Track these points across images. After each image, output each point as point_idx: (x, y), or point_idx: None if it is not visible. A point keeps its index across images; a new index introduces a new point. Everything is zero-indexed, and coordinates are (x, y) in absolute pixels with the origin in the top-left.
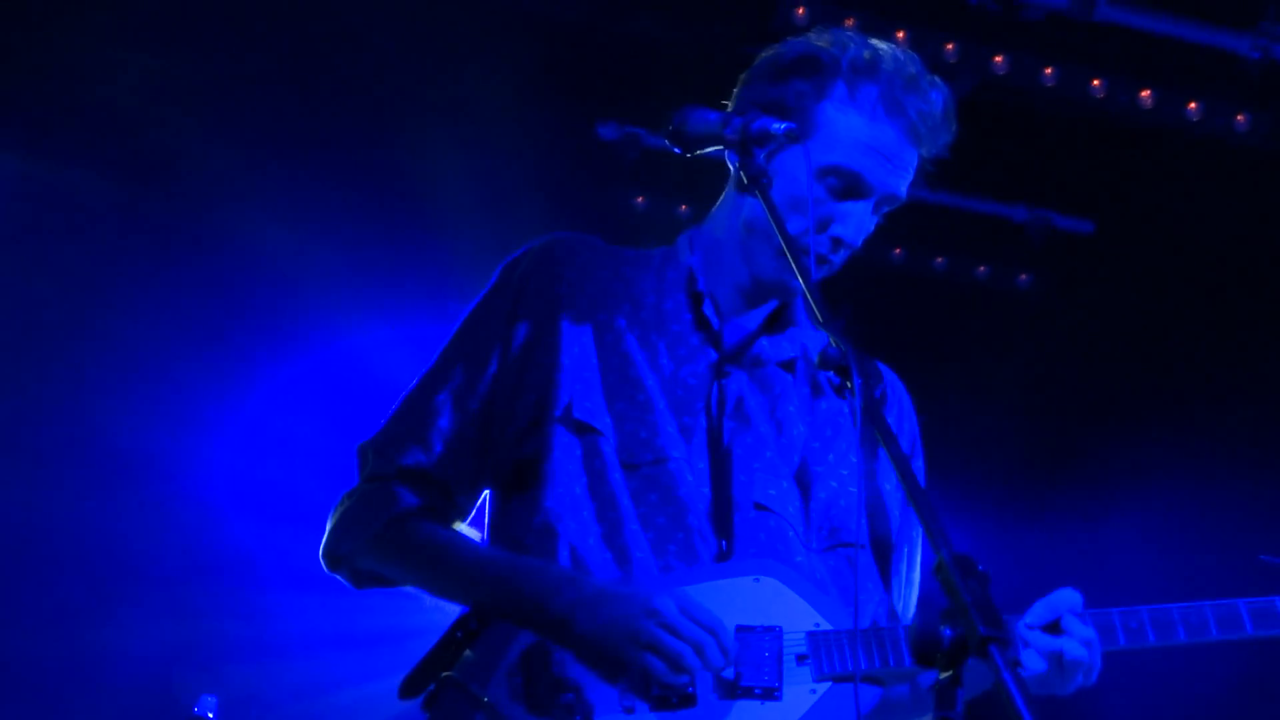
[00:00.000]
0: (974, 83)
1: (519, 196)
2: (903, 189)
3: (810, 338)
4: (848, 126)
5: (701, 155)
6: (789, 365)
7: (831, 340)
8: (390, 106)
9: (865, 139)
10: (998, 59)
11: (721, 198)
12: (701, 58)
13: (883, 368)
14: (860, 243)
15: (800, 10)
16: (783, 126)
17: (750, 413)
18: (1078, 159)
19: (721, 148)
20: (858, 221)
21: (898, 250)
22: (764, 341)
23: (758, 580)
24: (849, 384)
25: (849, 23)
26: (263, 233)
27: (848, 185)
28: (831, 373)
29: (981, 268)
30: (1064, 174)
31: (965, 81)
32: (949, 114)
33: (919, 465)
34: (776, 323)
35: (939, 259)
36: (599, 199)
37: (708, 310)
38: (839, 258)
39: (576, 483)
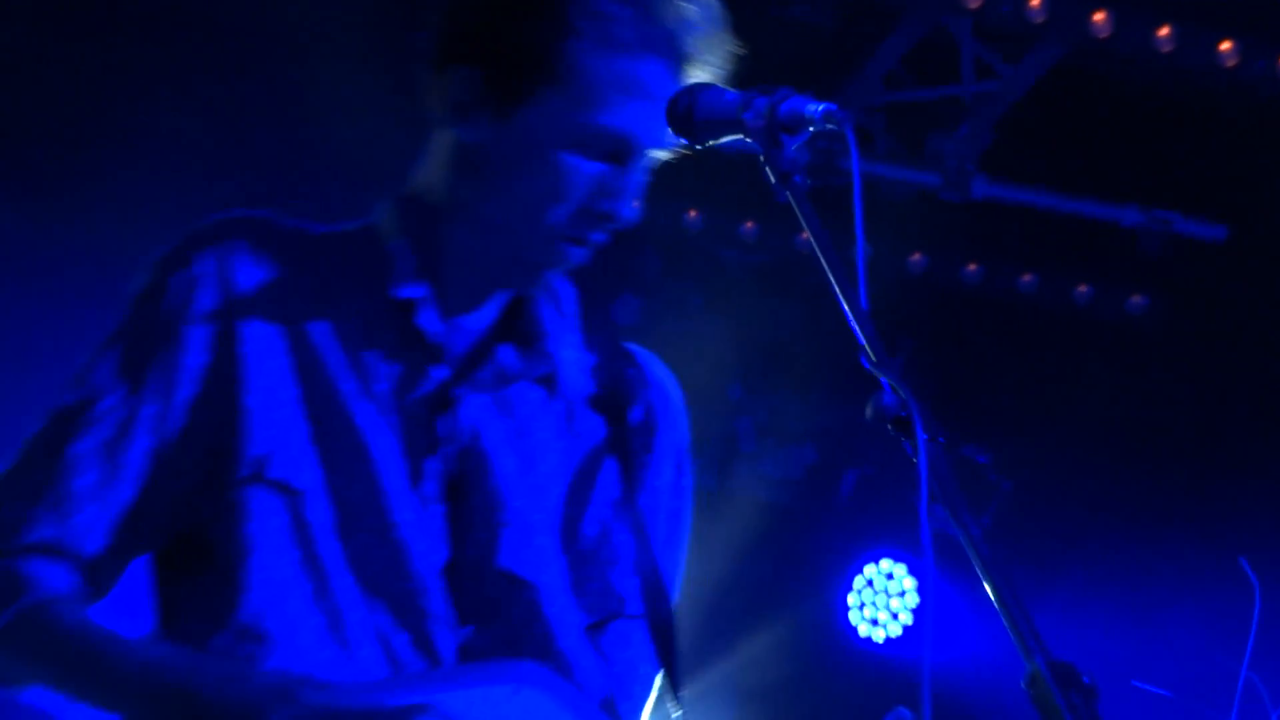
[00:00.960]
0: (1066, 48)
1: None
2: (669, 141)
3: (566, 351)
4: (607, 72)
5: (715, 148)
6: (542, 380)
7: (889, 385)
8: (326, 81)
9: (630, 83)
10: (1097, 17)
11: (430, 143)
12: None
13: (645, 358)
14: (629, 208)
15: None
16: (820, 108)
17: (490, 448)
18: (1205, 146)
19: (741, 137)
20: (633, 191)
21: (973, 266)
22: (507, 351)
23: (516, 692)
24: (910, 442)
25: None
26: None
27: (615, 148)
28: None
29: (1081, 287)
30: (1188, 166)
31: (1054, 47)
32: (717, 15)
33: (684, 497)
34: (517, 325)
35: (1026, 276)
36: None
37: (424, 314)
38: (583, 255)
39: (284, 560)
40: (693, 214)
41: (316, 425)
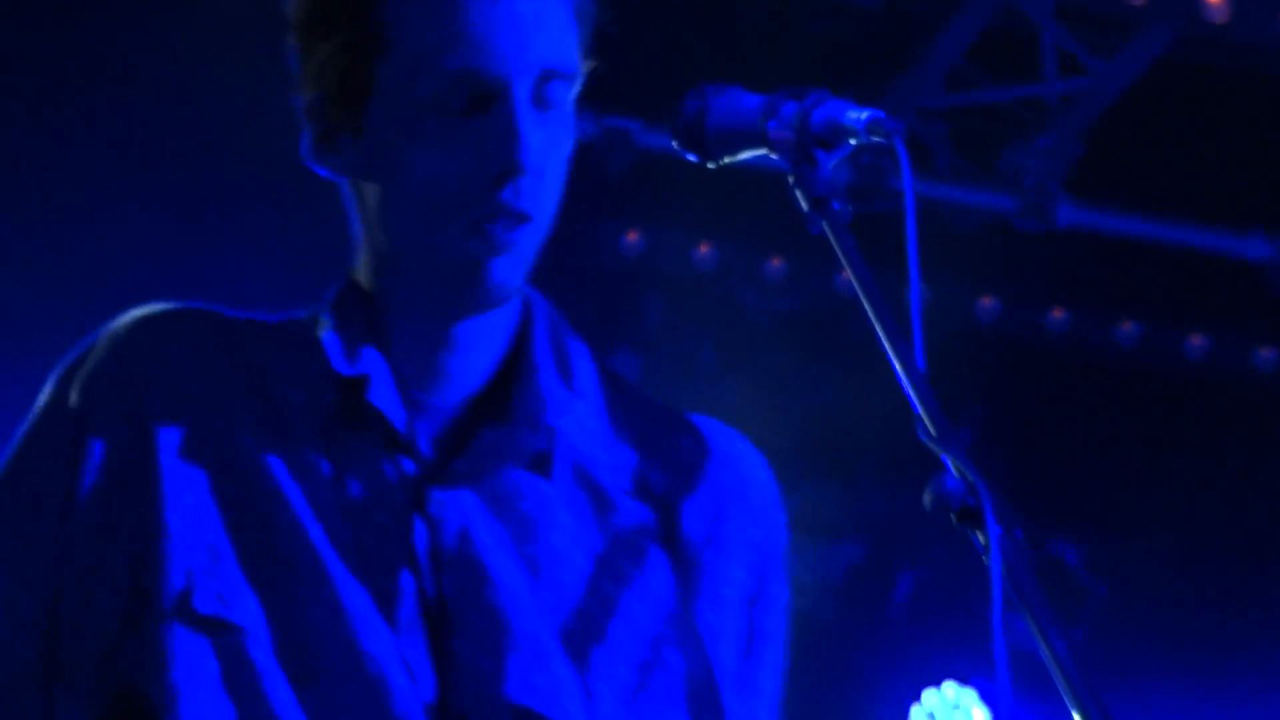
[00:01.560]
0: (1173, 36)
1: None
2: (561, 54)
3: (569, 412)
4: (421, 10)
5: (732, 165)
6: (540, 463)
7: (953, 466)
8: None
9: (456, 15)
10: (1213, 1)
11: (348, 205)
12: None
13: (712, 430)
14: (549, 179)
15: None
16: (863, 116)
17: (483, 554)
18: None
19: (765, 153)
20: (519, 134)
21: (1058, 312)
22: (490, 434)
23: None
24: (980, 537)
25: None
26: None
27: (470, 94)
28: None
29: (1195, 338)
30: None
31: (1159, 35)
32: None
33: (768, 615)
34: (505, 397)
35: (1124, 324)
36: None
37: (376, 390)
38: (520, 233)
39: (215, 715)
40: (704, 249)
41: (255, 543)
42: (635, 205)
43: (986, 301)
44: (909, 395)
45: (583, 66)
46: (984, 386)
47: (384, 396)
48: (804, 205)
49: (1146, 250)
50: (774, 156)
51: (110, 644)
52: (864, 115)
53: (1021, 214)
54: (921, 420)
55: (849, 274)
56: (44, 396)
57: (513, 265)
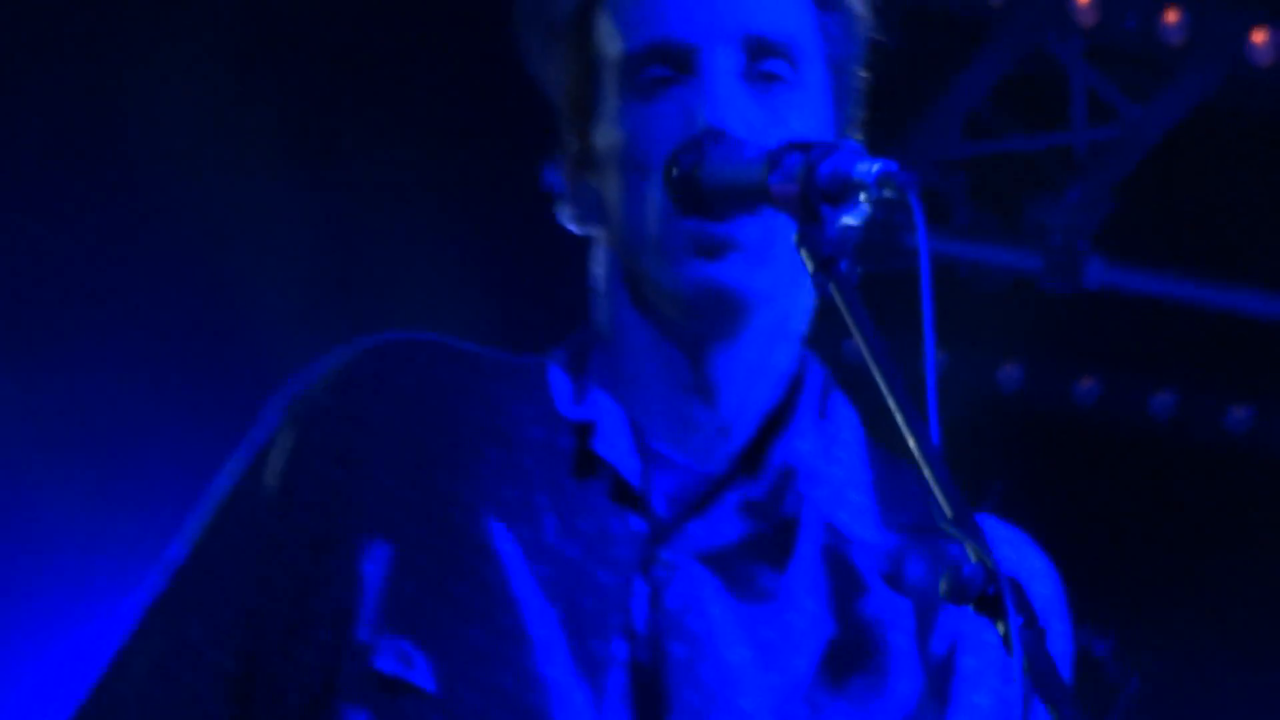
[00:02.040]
0: (1215, 79)
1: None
2: (770, 20)
3: (826, 482)
4: (618, 6)
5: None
6: (785, 534)
7: (969, 550)
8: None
9: None
10: (1258, 36)
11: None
12: None
13: (1003, 532)
14: (761, 133)
15: None
16: (875, 168)
17: (708, 628)
18: None
19: (767, 205)
20: (724, 98)
21: (1087, 380)
22: (734, 497)
23: None
24: (1001, 627)
25: None
26: None
27: (669, 64)
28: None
29: (1236, 409)
30: None
31: (1199, 77)
32: None
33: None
34: (759, 454)
35: (1160, 394)
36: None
37: (604, 444)
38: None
39: None
40: None
41: (455, 599)
42: None
43: (1009, 368)
44: (923, 472)
45: (808, 35)
46: (1006, 461)
47: (613, 446)
48: (810, 264)
49: (1184, 313)
50: (780, 211)
51: (314, 699)
52: (875, 167)
53: (1048, 273)
54: (937, 499)
55: (858, 339)
56: (259, 426)
57: (741, 264)
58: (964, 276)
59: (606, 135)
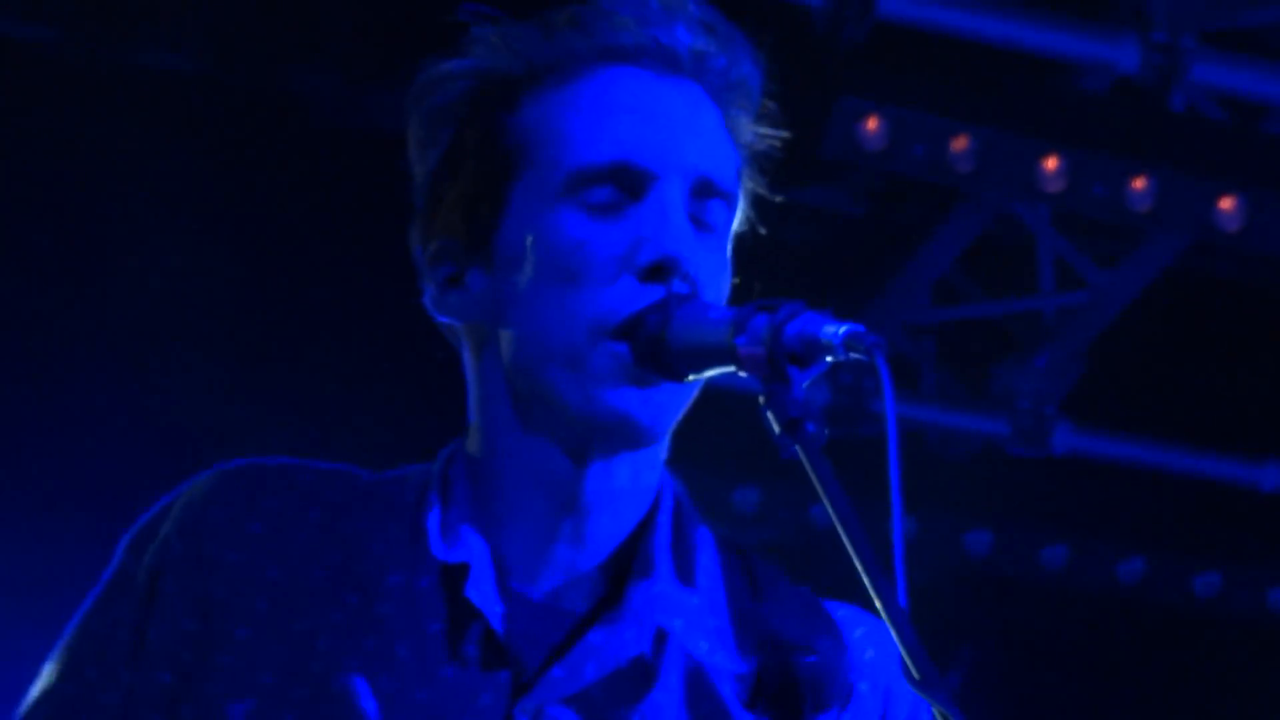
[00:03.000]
0: (1180, 246)
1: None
2: (716, 164)
3: (683, 611)
4: (562, 111)
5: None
6: (647, 669)
7: (937, 712)
8: None
9: (594, 106)
10: (1224, 204)
11: (470, 369)
12: None
13: (852, 628)
14: (704, 275)
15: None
16: (841, 330)
17: None
18: None
19: (733, 369)
20: (674, 223)
21: (1055, 547)
22: (595, 637)
23: None
24: None
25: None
26: None
27: (616, 185)
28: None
29: (1205, 575)
30: None
31: (1165, 244)
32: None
33: None
34: (617, 589)
35: (1128, 561)
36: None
37: (476, 589)
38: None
39: None
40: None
41: None
42: None
43: (977, 534)
44: (898, 637)
45: (740, 196)
46: (974, 627)
47: (483, 591)
48: (776, 428)
49: (1152, 479)
50: (743, 374)
51: None
52: (842, 330)
53: (1015, 439)
54: (905, 664)
55: (825, 502)
56: (112, 569)
57: (668, 396)
58: (932, 442)
59: (527, 238)
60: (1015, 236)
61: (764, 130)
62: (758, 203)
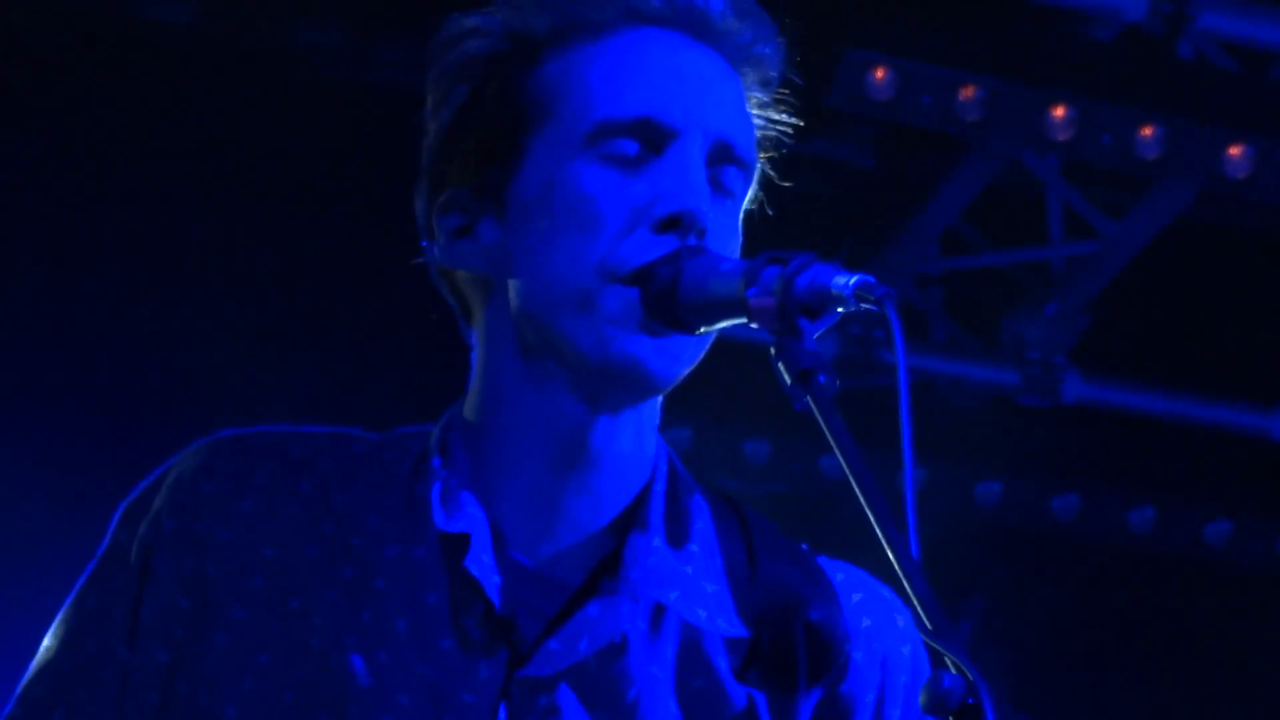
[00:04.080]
0: (1191, 194)
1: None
2: (736, 129)
3: (679, 582)
4: (587, 68)
5: (707, 334)
6: (644, 640)
7: (948, 661)
8: None
9: (621, 64)
10: (1233, 150)
11: (474, 333)
12: None
13: (849, 593)
14: (718, 234)
15: None
16: (852, 281)
17: None
18: None
19: (744, 321)
20: (693, 181)
21: (1066, 496)
22: (593, 608)
23: None
24: None
25: None
26: None
27: (638, 139)
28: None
29: (1216, 523)
30: None
31: (1175, 192)
32: None
33: None
34: (616, 555)
35: (1139, 509)
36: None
37: (477, 560)
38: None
39: None
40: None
41: None
42: None
43: (987, 484)
44: (904, 586)
45: (758, 162)
46: (985, 577)
47: (482, 562)
48: (787, 379)
49: (1162, 428)
50: (754, 326)
51: None
52: (852, 280)
53: (1025, 389)
54: (917, 614)
55: (837, 453)
56: (106, 543)
57: (680, 348)
58: (942, 392)
59: (545, 187)
60: (1024, 186)
61: (775, 116)
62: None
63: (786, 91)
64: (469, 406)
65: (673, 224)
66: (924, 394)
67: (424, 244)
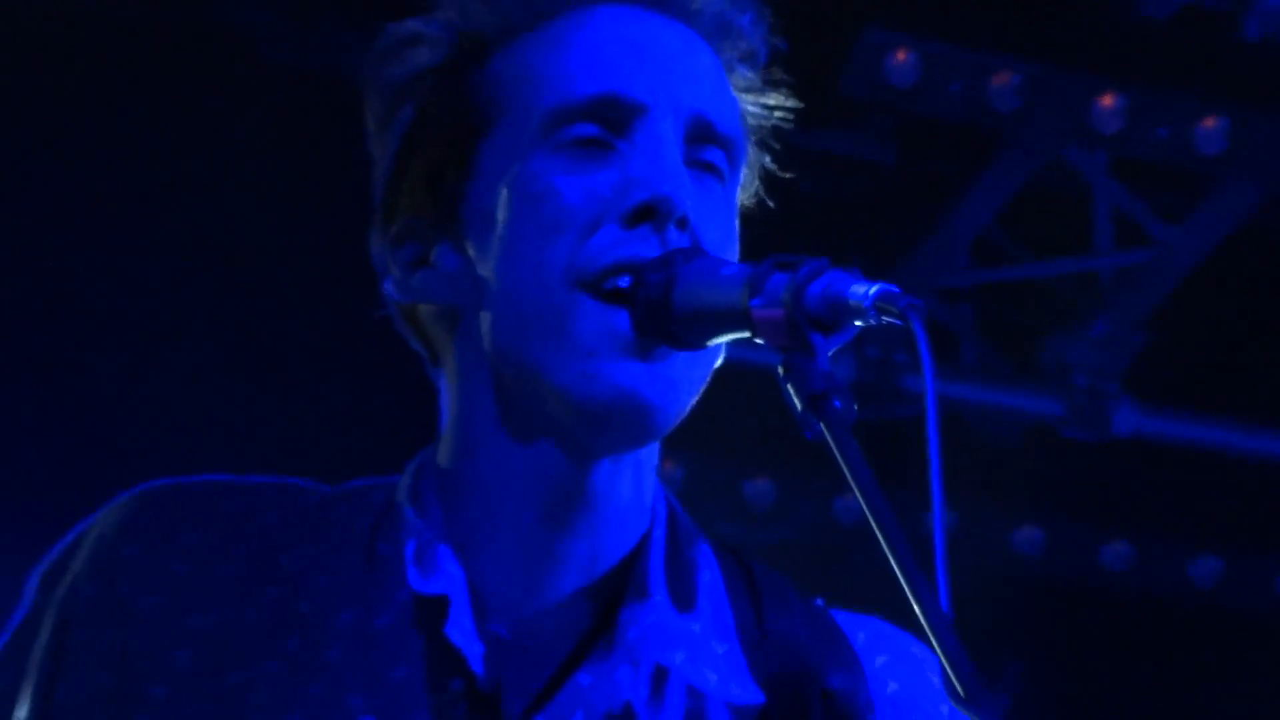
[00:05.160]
0: (1255, 197)
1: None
2: (715, 103)
3: (683, 642)
4: (543, 48)
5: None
6: (636, 714)
7: None
8: None
9: (580, 41)
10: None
11: (443, 375)
12: None
13: (871, 651)
14: (707, 226)
15: None
16: (872, 291)
17: None
18: None
19: (747, 336)
20: (667, 164)
21: (1117, 544)
22: (585, 676)
23: None
24: None
25: None
26: None
27: (601, 120)
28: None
29: None
30: None
31: (1240, 193)
32: None
33: None
34: (609, 619)
35: (1200, 559)
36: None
37: (459, 629)
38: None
39: None
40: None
41: None
42: None
43: (1028, 530)
44: (933, 646)
45: (746, 144)
46: (1025, 635)
47: (464, 628)
48: (797, 404)
49: (1228, 464)
50: (759, 342)
51: None
52: (872, 289)
53: (1070, 420)
54: (948, 678)
55: (855, 491)
56: (21, 610)
57: (678, 368)
58: (974, 423)
59: (499, 194)
60: (1067, 187)
61: (769, 101)
62: (771, 148)
63: (778, 70)
64: (443, 452)
65: (646, 214)
66: (954, 426)
67: (384, 285)
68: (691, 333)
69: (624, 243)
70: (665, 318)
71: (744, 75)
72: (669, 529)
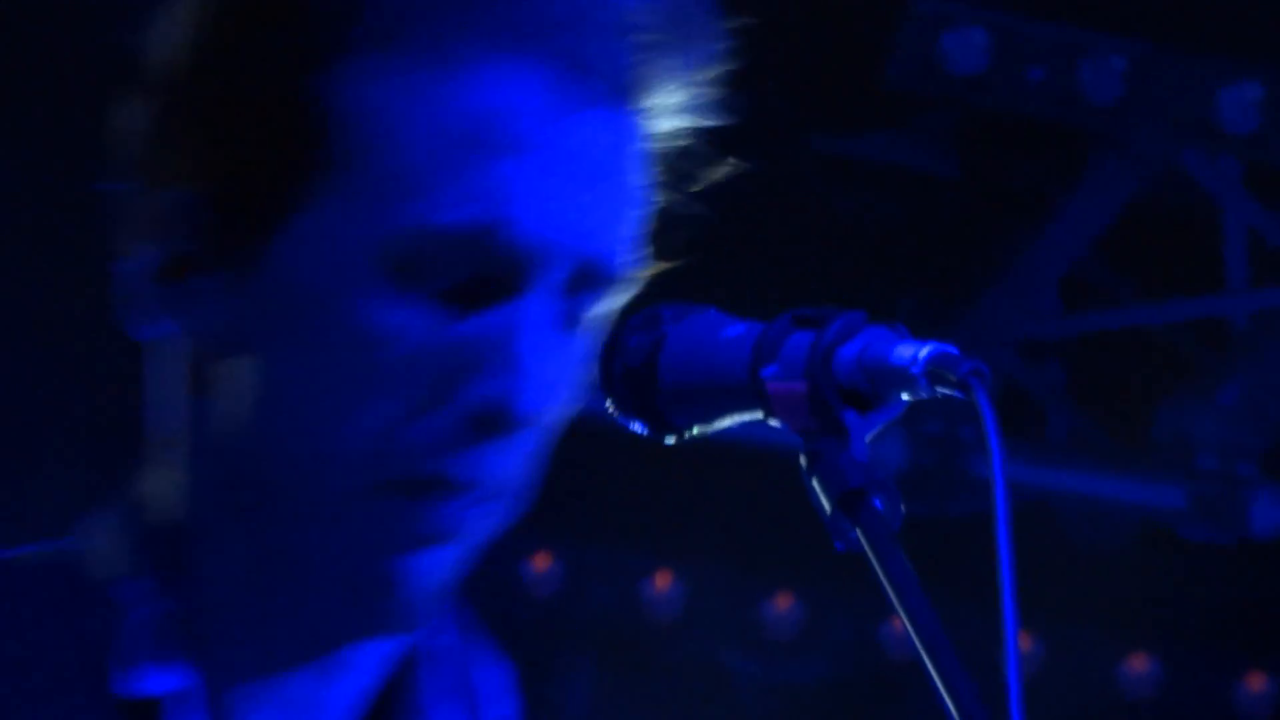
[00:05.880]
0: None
1: None
2: (614, 241)
3: None
4: (414, 111)
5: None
6: None
7: None
8: None
9: (466, 123)
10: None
11: (148, 391)
12: None
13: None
14: (540, 436)
15: None
16: (924, 353)
17: None
18: None
19: (758, 416)
20: (533, 362)
21: (1255, 680)
22: None
23: None
24: None
25: None
26: None
27: (470, 271)
28: None
29: None
30: None
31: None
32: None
33: None
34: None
35: None
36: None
37: None
38: (477, 512)
39: None
40: (662, 580)
41: None
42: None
43: (1137, 661)
44: None
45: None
46: None
47: None
48: (826, 505)
49: None
50: (774, 424)
51: None
52: (923, 352)
53: (1194, 515)
54: None
55: (901, 616)
56: None
57: (443, 565)
58: (1067, 521)
59: (315, 287)
60: (1186, 205)
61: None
62: (809, 158)
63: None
64: (157, 492)
65: (480, 424)
66: (1037, 524)
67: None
68: (684, 414)
69: (456, 440)
70: (649, 394)
71: (676, 93)
72: (452, 651)
